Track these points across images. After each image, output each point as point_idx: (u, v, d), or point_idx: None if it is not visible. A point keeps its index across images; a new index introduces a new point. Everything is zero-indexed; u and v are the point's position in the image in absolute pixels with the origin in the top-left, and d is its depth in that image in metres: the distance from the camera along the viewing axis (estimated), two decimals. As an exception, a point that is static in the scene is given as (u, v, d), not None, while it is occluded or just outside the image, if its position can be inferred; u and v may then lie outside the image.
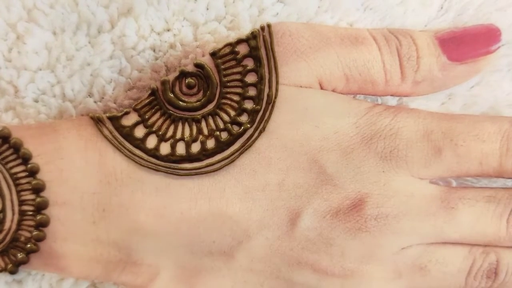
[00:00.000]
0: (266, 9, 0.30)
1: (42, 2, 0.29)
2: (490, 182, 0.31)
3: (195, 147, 0.28)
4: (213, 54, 0.28)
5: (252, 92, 0.28)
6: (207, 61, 0.28)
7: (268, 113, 0.28)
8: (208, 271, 0.29)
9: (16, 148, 0.27)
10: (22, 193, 0.27)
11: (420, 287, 0.30)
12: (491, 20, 0.30)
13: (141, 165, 0.27)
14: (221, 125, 0.28)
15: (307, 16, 0.30)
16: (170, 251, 0.28)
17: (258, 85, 0.28)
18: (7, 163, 0.27)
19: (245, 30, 0.30)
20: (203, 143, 0.28)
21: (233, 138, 0.28)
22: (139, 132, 0.28)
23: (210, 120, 0.28)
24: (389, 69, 0.29)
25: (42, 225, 0.27)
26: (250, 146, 0.28)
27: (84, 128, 0.28)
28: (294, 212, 0.28)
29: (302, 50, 0.28)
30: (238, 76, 0.28)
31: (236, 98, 0.28)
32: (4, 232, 0.27)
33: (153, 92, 0.28)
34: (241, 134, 0.28)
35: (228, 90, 0.28)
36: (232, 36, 0.30)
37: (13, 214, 0.27)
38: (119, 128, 0.28)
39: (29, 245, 0.27)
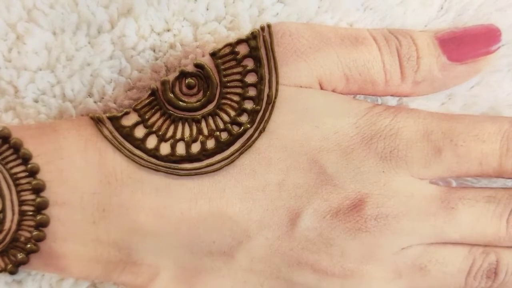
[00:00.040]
0: (266, 9, 0.30)
1: (42, 2, 0.29)
2: (490, 182, 0.31)
3: (195, 147, 0.28)
4: (213, 54, 0.28)
5: (252, 92, 0.28)
6: (207, 61, 0.28)
7: (268, 113, 0.28)
8: (208, 271, 0.29)
9: (16, 148, 0.27)
10: (22, 193, 0.27)
11: (420, 287, 0.30)
12: (491, 21, 0.30)
13: (141, 165, 0.27)
14: (221, 125, 0.28)
15: (307, 16, 0.30)
16: (170, 251, 0.28)
17: (258, 85, 0.28)
18: (7, 163, 0.27)
19: (245, 31, 0.30)
20: (203, 143, 0.28)
21: (233, 138, 0.28)
22: (139, 132, 0.28)
23: (210, 120, 0.28)
24: (389, 69, 0.29)
25: (42, 225, 0.27)
26: (250, 146, 0.28)
27: (84, 128, 0.28)
28: (294, 212, 0.28)
29: (302, 50, 0.28)
30: (238, 76, 0.28)
31: (236, 98, 0.28)
32: (4, 232, 0.27)
33: (153, 92, 0.28)
34: (241, 134, 0.28)
35: (228, 90, 0.28)
36: (232, 36, 0.30)
37: (13, 214, 0.27)
38: (119, 128, 0.28)
39: (29, 245, 0.27)
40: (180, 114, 0.28)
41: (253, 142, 0.28)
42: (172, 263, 0.29)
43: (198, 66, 0.28)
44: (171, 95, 0.28)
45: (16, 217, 0.27)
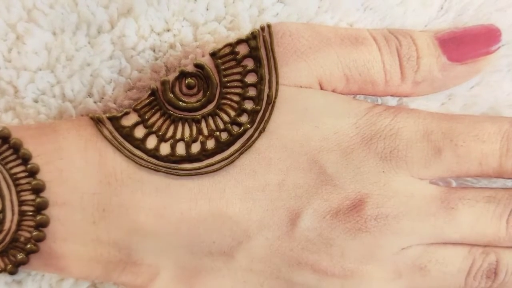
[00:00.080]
0: (266, 9, 0.30)
1: (42, 2, 0.29)
2: (490, 182, 0.31)
3: (195, 148, 0.28)
4: (213, 55, 0.28)
5: (252, 92, 0.28)
6: (207, 61, 0.28)
7: (268, 113, 0.28)
8: (208, 271, 0.29)
9: (16, 148, 0.27)
10: (22, 193, 0.27)
11: (420, 287, 0.30)
12: (491, 21, 0.30)
13: (141, 165, 0.27)
14: (221, 126, 0.28)
15: (307, 16, 0.30)
16: (170, 251, 0.28)
17: (258, 85, 0.28)
18: (7, 163, 0.27)
19: (245, 31, 0.30)
20: (203, 144, 0.28)
21: (233, 139, 0.28)
22: (139, 132, 0.28)
23: (210, 121, 0.28)
24: (389, 70, 0.29)
25: (42, 225, 0.27)
26: (250, 146, 0.28)
27: (84, 129, 0.28)
28: (294, 212, 0.28)
29: (302, 51, 0.28)
30: (238, 77, 0.28)
31: (236, 98, 0.28)
32: (3, 233, 0.27)
33: (153, 93, 0.28)
34: (241, 135, 0.28)
35: (228, 90, 0.28)
36: (232, 37, 0.30)
37: (13, 214, 0.27)
38: (119, 129, 0.28)
39: (29, 246, 0.27)
40: (180, 114, 0.28)
41: (253, 142, 0.28)
42: (172, 263, 0.28)
43: (198, 66, 0.28)
44: (171, 95, 0.28)
45: (16, 217, 0.27)
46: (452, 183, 0.31)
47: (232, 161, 0.28)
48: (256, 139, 0.28)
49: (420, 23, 0.31)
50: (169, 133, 0.28)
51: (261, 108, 0.28)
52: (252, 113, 0.28)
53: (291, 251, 0.28)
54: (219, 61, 0.28)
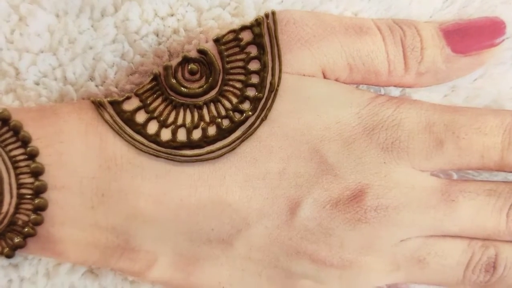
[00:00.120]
0: (271, -3, 0.30)
1: (46, -16, 0.29)
2: (491, 175, 0.31)
3: (196, 134, 0.28)
4: (217, 41, 0.28)
5: (254, 79, 0.28)
6: (210, 47, 0.28)
7: (270, 101, 0.28)
8: (206, 258, 0.29)
9: (16, 130, 0.26)
10: (21, 176, 0.27)
11: (418, 280, 0.30)
12: (496, 13, 0.30)
13: (141, 150, 0.27)
14: (223, 112, 0.28)
15: (312, 5, 0.30)
16: (168, 238, 0.28)
17: (261, 72, 0.28)
18: (6, 145, 0.27)
19: (249, 17, 0.30)
20: (204, 130, 0.28)
21: (235, 126, 0.28)
22: (140, 117, 0.28)
23: (212, 107, 0.28)
24: (393, 60, 0.28)
25: (40, 208, 0.27)
26: (251, 134, 0.28)
27: (85, 112, 0.27)
28: (294, 201, 0.28)
29: (306, 39, 0.28)
30: (241, 63, 0.28)
31: (238, 85, 0.28)
32: (1, 216, 0.27)
33: (155, 77, 0.28)
34: (242, 122, 0.28)
35: (231, 77, 0.28)
36: (236, 23, 0.30)
37: (11, 197, 0.27)
38: (120, 113, 0.27)
39: (26, 229, 0.27)
40: (182, 100, 0.28)
41: (255, 130, 0.28)
42: (170, 250, 0.28)
43: (201, 52, 0.28)
44: (173, 80, 0.28)
45: (14, 200, 0.27)
46: (453, 176, 0.31)
47: (233, 149, 0.28)
48: (257, 127, 0.28)
49: (425, 14, 0.31)
50: (171, 119, 0.28)
51: (263, 96, 0.28)
52: (254, 101, 0.28)
53: (290, 240, 0.28)
54: (223, 47, 0.28)
